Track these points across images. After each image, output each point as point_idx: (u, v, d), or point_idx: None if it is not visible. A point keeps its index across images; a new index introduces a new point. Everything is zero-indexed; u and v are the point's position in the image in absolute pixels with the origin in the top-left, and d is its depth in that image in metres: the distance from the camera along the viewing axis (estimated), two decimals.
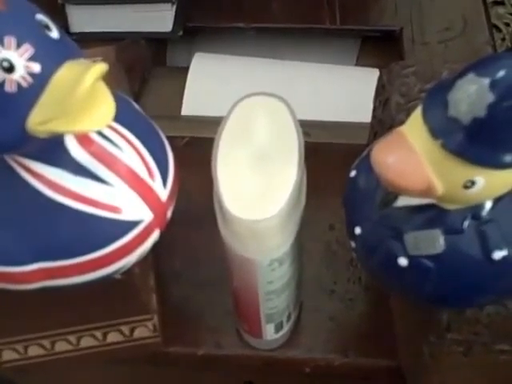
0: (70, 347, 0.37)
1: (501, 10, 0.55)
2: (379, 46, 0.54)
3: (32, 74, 0.24)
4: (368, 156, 0.28)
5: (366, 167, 0.29)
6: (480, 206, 0.26)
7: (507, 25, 0.54)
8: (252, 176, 0.28)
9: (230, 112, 0.30)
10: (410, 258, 0.27)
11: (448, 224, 0.27)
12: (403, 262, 0.28)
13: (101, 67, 0.24)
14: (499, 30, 0.54)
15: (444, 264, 0.27)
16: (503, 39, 0.53)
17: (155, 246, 0.32)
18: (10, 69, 0.23)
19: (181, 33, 0.50)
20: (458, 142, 0.23)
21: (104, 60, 0.26)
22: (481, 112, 0.22)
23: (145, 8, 0.49)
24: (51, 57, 0.24)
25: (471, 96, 0.22)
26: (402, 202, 0.27)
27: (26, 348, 0.37)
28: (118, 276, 0.32)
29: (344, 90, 0.51)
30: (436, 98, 0.23)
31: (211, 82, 0.52)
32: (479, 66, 0.22)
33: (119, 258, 0.30)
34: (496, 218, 0.27)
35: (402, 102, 0.36)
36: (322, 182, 0.36)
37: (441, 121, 0.23)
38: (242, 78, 0.52)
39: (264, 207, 0.27)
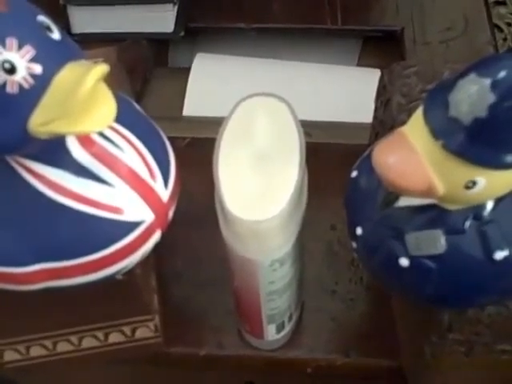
0: (71, 348, 0.37)
1: (502, 9, 0.55)
2: (380, 46, 0.54)
3: (33, 76, 0.24)
4: (369, 156, 0.28)
5: (367, 168, 0.29)
6: (481, 207, 0.26)
7: (509, 25, 0.54)
8: (253, 176, 0.28)
9: (231, 112, 0.30)
10: (412, 258, 0.27)
11: (449, 224, 0.27)
12: (404, 262, 0.28)
13: (102, 68, 0.24)
14: (501, 30, 0.54)
15: (445, 264, 0.27)
16: (505, 39, 0.53)
17: (157, 247, 0.32)
18: (12, 70, 0.24)
19: (182, 33, 0.51)
20: (459, 143, 0.23)
21: (105, 61, 0.26)
22: (482, 112, 0.22)
23: (146, 9, 0.49)
24: (53, 58, 0.24)
25: (472, 96, 0.22)
26: (404, 202, 0.27)
27: (27, 348, 0.37)
28: (119, 277, 0.32)
29: (345, 91, 0.51)
30: (437, 98, 0.23)
31: (213, 82, 0.52)
32: (480, 67, 0.22)
33: (121, 259, 0.30)
34: (497, 219, 0.27)
35: (404, 102, 0.36)
36: (323, 182, 0.36)
37: (442, 121, 0.23)
38: (243, 79, 0.52)
39: (265, 207, 0.27)
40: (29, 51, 0.24)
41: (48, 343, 0.37)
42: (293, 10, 0.53)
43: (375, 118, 0.40)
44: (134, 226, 0.30)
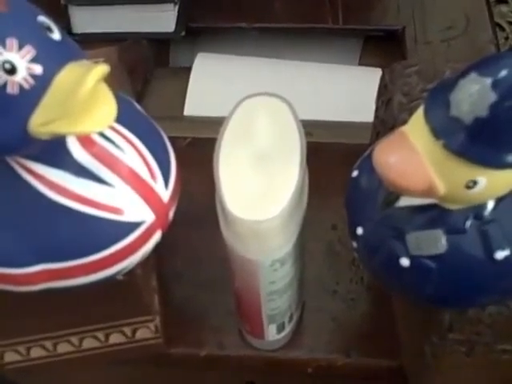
0: (72, 348, 0.37)
1: (504, 8, 0.55)
2: (382, 46, 0.54)
3: (34, 76, 0.24)
4: (370, 156, 0.28)
5: (368, 167, 0.29)
6: (482, 206, 0.26)
7: (510, 23, 0.54)
8: (254, 176, 0.28)
9: (231, 112, 0.30)
10: (412, 258, 0.27)
11: (450, 224, 0.27)
12: (405, 262, 0.28)
13: (102, 68, 0.24)
14: (502, 29, 0.54)
15: (446, 264, 0.27)
16: (506, 38, 0.53)
17: (157, 247, 0.32)
18: (12, 71, 0.23)
19: (183, 33, 0.50)
20: (459, 142, 0.23)
21: (106, 61, 0.26)
22: (483, 112, 0.22)
23: (147, 8, 0.49)
24: (53, 58, 0.24)
25: (473, 96, 0.22)
26: (404, 202, 0.27)
27: (28, 349, 0.37)
28: (120, 277, 0.32)
29: (346, 90, 0.51)
30: (438, 97, 0.23)
31: (214, 82, 0.52)
32: (481, 66, 0.22)
33: (121, 260, 0.30)
34: (498, 218, 0.26)
35: (405, 101, 0.36)
36: (324, 181, 0.36)
37: (443, 121, 0.23)
38: (244, 78, 0.52)
39: (266, 208, 0.27)
40: (29, 51, 0.24)
41: (48, 344, 0.37)
42: (294, 10, 0.53)
43: (376, 117, 0.40)
44: (134, 226, 0.30)
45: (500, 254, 0.27)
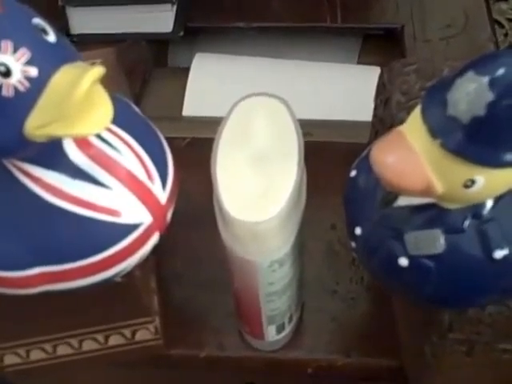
0: (71, 351, 0.37)
1: (503, 5, 0.55)
2: (381, 44, 0.53)
3: (29, 78, 0.24)
4: (368, 156, 0.28)
5: (366, 167, 0.28)
6: (480, 205, 0.26)
7: (510, 20, 0.54)
8: (252, 177, 0.28)
9: (229, 113, 0.30)
10: (411, 258, 0.27)
11: (448, 223, 0.26)
12: (404, 262, 0.27)
13: (98, 70, 0.23)
14: (502, 26, 0.53)
15: (445, 264, 0.27)
16: (506, 35, 0.53)
17: (156, 248, 0.32)
18: (7, 73, 0.23)
19: (181, 33, 0.50)
20: (457, 142, 0.23)
21: (104, 62, 0.26)
22: (480, 111, 0.22)
23: (145, 9, 0.49)
24: (48, 61, 0.24)
25: (470, 95, 0.22)
26: (403, 201, 0.27)
27: (27, 352, 0.37)
28: (118, 279, 0.32)
29: (345, 89, 0.51)
30: (435, 97, 0.23)
31: (212, 82, 0.52)
32: (478, 65, 0.22)
33: (119, 262, 0.30)
34: (497, 217, 0.26)
35: (403, 100, 0.36)
36: (323, 181, 0.36)
37: (440, 120, 0.23)
38: (243, 78, 0.52)
39: (264, 208, 0.27)
40: (24, 54, 0.24)
41: (48, 346, 0.37)
42: (292, 9, 0.53)
43: (375, 116, 0.40)
44: (132, 228, 0.30)
45: (499, 254, 0.26)
